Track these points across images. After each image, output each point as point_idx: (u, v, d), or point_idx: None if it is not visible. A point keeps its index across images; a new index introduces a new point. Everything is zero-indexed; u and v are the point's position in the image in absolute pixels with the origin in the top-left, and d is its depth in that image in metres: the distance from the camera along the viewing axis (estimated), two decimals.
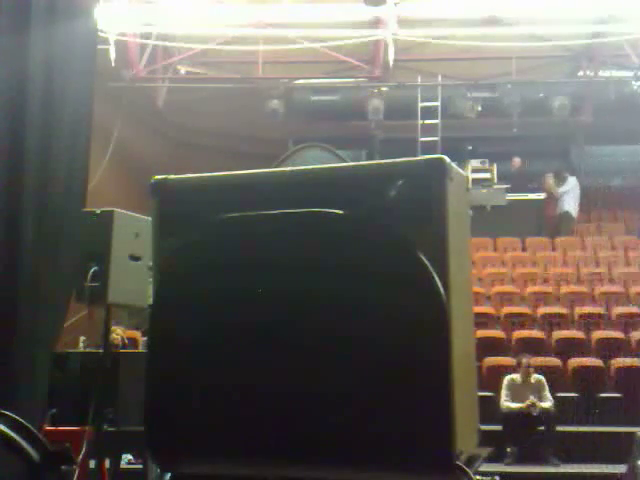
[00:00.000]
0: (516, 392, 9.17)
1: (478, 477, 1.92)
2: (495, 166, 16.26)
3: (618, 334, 11.04)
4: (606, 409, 9.65)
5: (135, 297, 4.60)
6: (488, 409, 8.18)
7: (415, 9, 14.51)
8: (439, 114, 15.84)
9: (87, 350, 7.64)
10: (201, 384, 1.98)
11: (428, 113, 16.00)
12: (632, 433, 7.79)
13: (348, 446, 1.85)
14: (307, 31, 14.54)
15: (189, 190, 2.13)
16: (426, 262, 1.81)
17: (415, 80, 15.92)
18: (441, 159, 1.90)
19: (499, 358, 10.38)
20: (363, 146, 17.64)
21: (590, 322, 11.46)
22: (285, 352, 1.90)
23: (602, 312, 11.76)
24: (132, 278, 4.48)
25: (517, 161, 16.69)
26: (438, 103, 15.85)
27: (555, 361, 10.33)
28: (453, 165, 1.91)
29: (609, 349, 10.65)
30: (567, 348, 10.69)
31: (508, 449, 8.92)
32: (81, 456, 4.26)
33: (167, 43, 15.49)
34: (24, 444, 2.68)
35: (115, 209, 4.49)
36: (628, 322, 11.62)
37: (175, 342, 2.01)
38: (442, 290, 1.80)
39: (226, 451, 1.98)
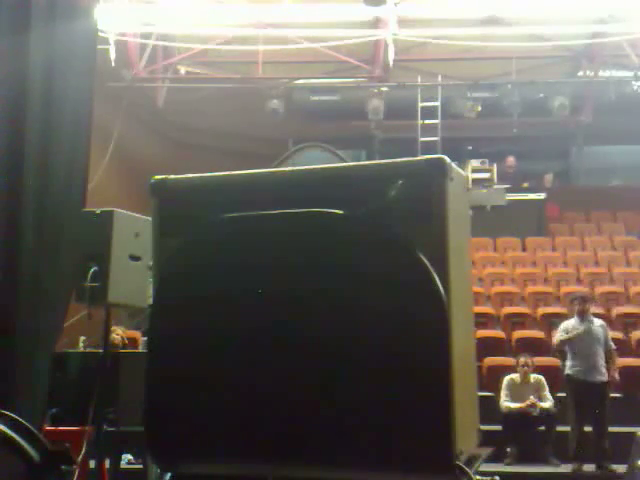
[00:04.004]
0: (516, 392, 9.17)
1: (478, 477, 1.92)
2: (495, 166, 16.25)
3: (618, 334, 11.03)
4: None
5: (135, 297, 4.59)
6: (488, 409, 8.15)
7: (415, 9, 14.51)
8: (439, 114, 15.83)
9: (87, 350, 7.62)
10: (201, 384, 1.98)
11: (428, 113, 16.00)
12: (632, 433, 7.78)
13: (348, 446, 1.85)
14: (307, 31, 14.54)
15: (189, 190, 2.13)
16: (426, 262, 1.81)
17: (415, 80, 15.92)
18: (441, 159, 1.90)
19: (499, 358, 10.37)
20: (363, 146, 17.64)
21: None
22: (285, 352, 1.90)
23: (602, 312, 11.75)
24: (132, 278, 4.47)
25: (511, 160, 16.71)
26: (438, 103, 15.84)
27: (555, 361, 10.32)
28: (453, 165, 1.91)
29: None
30: None
31: (508, 449, 8.91)
32: (81, 456, 4.25)
33: (167, 43, 15.49)
34: (24, 444, 2.68)
35: (115, 209, 4.48)
36: (628, 322, 11.62)
37: (175, 342, 2.01)
38: (442, 290, 1.80)
39: (226, 451, 1.98)
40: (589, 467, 8.66)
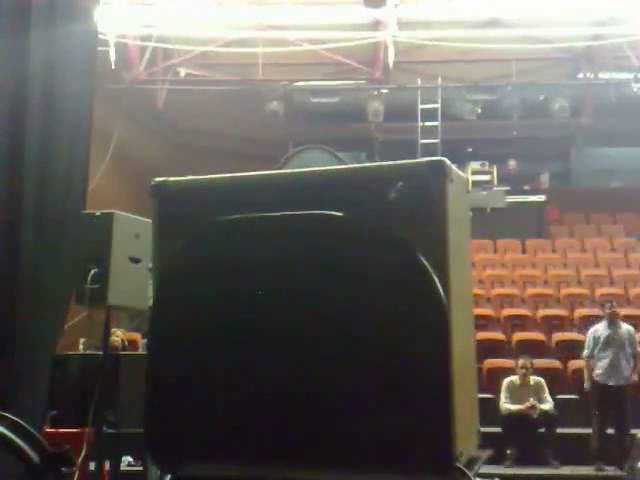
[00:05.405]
0: (515, 394, 9.16)
1: (478, 479, 1.92)
2: (495, 168, 16.25)
3: None
4: None
5: (135, 299, 4.59)
6: (488, 411, 8.15)
7: (415, 11, 14.51)
8: (439, 116, 15.84)
9: (87, 352, 7.62)
10: (201, 386, 1.98)
11: (428, 115, 15.99)
12: (632, 435, 7.78)
13: (348, 447, 1.85)
14: (307, 33, 14.54)
15: (189, 192, 2.13)
16: (426, 263, 1.81)
17: (415, 82, 15.92)
18: (441, 161, 1.90)
19: (499, 360, 10.37)
20: (363, 148, 17.63)
21: (590, 324, 11.43)
22: (285, 353, 1.90)
23: (602, 314, 11.74)
24: (132, 280, 4.47)
25: (512, 164, 16.75)
26: (438, 105, 15.84)
27: (555, 363, 10.33)
28: (453, 167, 1.91)
29: None
30: (567, 350, 10.67)
31: (508, 451, 8.90)
32: (81, 458, 4.25)
33: (167, 45, 15.49)
34: (24, 446, 2.68)
35: (115, 211, 4.48)
36: (629, 324, 11.60)
37: (175, 344, 2.01)
38: (442, 292, 1.80)
39: (226, 453, 1.98)
40: (590, 469, 8.65)
